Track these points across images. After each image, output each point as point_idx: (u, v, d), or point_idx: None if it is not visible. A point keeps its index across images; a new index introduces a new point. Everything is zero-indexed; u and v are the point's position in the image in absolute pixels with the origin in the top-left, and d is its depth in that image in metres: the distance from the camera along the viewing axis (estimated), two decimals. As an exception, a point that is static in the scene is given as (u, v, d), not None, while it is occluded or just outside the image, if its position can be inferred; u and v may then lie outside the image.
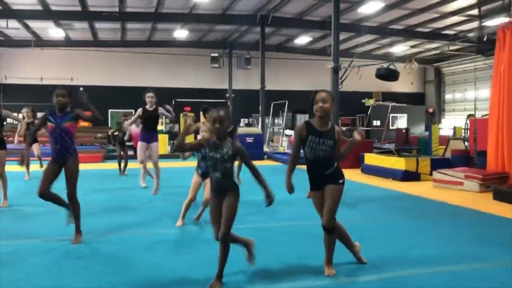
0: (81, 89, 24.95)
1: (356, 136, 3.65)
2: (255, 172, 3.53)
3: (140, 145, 7.32)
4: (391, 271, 3.94)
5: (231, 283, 3.57)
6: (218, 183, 3.50)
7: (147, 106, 7.38)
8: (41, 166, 9.96)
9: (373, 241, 4.94)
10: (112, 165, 9.70)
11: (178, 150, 3.75)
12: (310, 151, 3.66)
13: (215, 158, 3.46)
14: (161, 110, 7.36)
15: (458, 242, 4.96)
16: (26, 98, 23.56)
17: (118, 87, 24.37)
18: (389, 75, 16.50)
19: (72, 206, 4.74)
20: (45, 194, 4.63)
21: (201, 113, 8.07)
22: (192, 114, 10.08)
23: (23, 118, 10.01)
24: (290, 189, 3.76)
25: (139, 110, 7.37)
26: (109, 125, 24.52)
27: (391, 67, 16.69)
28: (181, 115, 21.28)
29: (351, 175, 10.62)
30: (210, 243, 4.64)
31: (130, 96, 24.51)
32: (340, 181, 3.77)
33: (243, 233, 3.81)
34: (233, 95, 24.82)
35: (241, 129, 14.88)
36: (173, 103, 24.73)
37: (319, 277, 3.75)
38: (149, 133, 7.29)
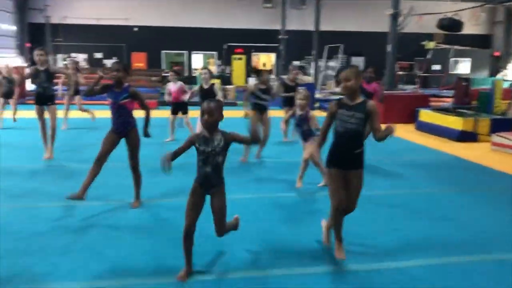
0: (136, 29, 25.29)
1: (390, 129, 3.49)
2: (247, 142, 3.48)
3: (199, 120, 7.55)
4: (435, 256, 3.95)
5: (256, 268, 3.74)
6: (206, 177, 3.36)
7: (203, 84, 7.54)
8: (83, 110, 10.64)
9: (418, 219, 4.91)
10: (167, 114, 9.83)
11: (168, 163, 3.35)
12: (340, 124, 3.62)
13: (206, 152, 3.31)
14: (216, 87, 7.52)
15: (506, 226, 4.83)
16: (84, 38, 24.29)
17: (171, 28, 24.43)
18: (453, 26, 15.40)
19: (135, 176, 5.07)
20: (101, 161, 4.90)
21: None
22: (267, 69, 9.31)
23: (68, 68, 10.41)
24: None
25: (197, 88, 7.60)
26: (162, 66, 24.92)
27: (455, 17, 15.51)
28: (233, 58, 20.30)
29: (404, 132, 10.38)
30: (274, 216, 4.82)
31: (182, 37, 24.64)
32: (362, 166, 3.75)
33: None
34: (286, 36, 24.23)
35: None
36: (224, 46, 24.64)
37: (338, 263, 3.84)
38: None
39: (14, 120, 10.29)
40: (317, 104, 16.03)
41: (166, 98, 9.29)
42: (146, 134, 5.04)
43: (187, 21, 24.42)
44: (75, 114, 11.16)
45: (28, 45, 24.08)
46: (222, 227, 3.50)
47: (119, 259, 3.80)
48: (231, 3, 24.64)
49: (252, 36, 24.85)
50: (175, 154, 3.36)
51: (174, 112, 9.17)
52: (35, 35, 24.08)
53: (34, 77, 6.97)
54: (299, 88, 6.75)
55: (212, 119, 3.28)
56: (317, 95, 17.54)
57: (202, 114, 3.28)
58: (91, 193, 4.96)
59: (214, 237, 3.61)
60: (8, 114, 10.57)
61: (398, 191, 5.97)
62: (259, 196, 5.63)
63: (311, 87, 16.02)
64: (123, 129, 4.90)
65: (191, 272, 3.52)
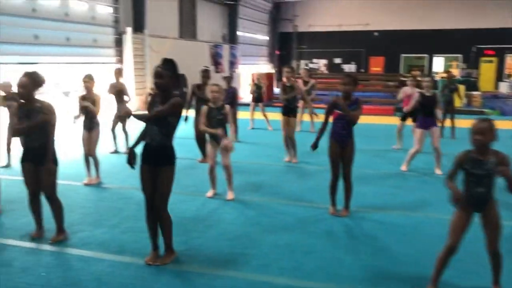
0: (376, 34, 25.41)
1: None
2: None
3: (420, 132, 7.04)
4: None
5: None
6: (479, 198, 3.18)
7: (424, 91, 7.04)
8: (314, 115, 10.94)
9: None
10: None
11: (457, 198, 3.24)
12: None
13: (479, 175, 3.11)
14: (438, 96, 7.01)
15: None
16: (325, 44, 25.63)
17: (412, 31, 23.65)
18: None
19: (346, 185, 5.10)
20: (338, 177, 5.11)
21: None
22: None
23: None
24: None
25: (418, 96, 7.08)
26: (400, 71, 24.31)
27: None
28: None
29: None
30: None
31: (423, 40, 23.54)
32: None
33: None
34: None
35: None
36: (473, 49, 22.44)
37: None
38: (428, 119, 7.00)
39: (268, 124, 11.53)
40: None
41: (398, 99, 9.14)
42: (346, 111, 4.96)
43: (429, 23, 23.21)
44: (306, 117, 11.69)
45: (277, 52, 26.78)
46: (498, 243, 3.25)
47: (357, 267, 3.85)
48: (481, 1, 22.29)
49: (507, 36, 21.97)
50: (451, 178, 3.26)
51: (403, 119, 8.85)
52: (283, 43, 26.60)
53: (283, 90, 7.70)
54: None
55: (484, 140, 3.09)
56: None
57: (473, 133, 3.12)
58: (314, 193, 5.20)
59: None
60: (257, 115, 11.92)
61: None
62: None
63: None
64: (345, 140, 4.97)
65: None
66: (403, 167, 7.29)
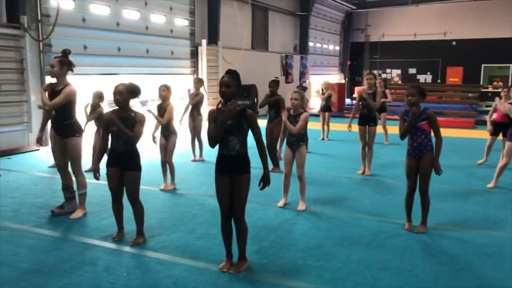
0: (454, 43, 24.26)
1: None
2: None
3: (510, 145, 6.55)
4: None
5: None
6: None
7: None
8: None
9: None
10: (484, 134, 8.83)
11: None
12: None
13: None
14: None
15: None
16: (399, 54, 24.93)
17: (494, 39, 22.33)
18: None
19: (423, 200, 4.87)
20: (414, 192, 4.91)
21: None
22: None
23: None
24: None
25: (509, 108, 6.55)
26: (481, 81, 23.05)
27: None
28: None
29: None
30: None
31: (505, 49, 22.12)
32: None
33: None
34: None
35: None
36: None
37: None
38: None
39: (325, 135, 11.66)
40: None
41: (488, 119, 8.28)
42: (437, 167, 4.75)
43: (514, 31, 21.83)
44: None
45: (348, 62, 26.40)
46: None
47: (437, 287, 3.65)
48: None
49: None
50: None
51: (495, 133, 8.23)
52: (354, 53, 26.17)
53: (361, 99, 7.51)
54: None
55: None
56: None
57: None
58: (387, 208, 5.00)
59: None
60: (333, 126, 11.83)
61: None
62: None
63: None
64: (419, 152, 4.79)
65: None
66: (491, 184, 6.84)
